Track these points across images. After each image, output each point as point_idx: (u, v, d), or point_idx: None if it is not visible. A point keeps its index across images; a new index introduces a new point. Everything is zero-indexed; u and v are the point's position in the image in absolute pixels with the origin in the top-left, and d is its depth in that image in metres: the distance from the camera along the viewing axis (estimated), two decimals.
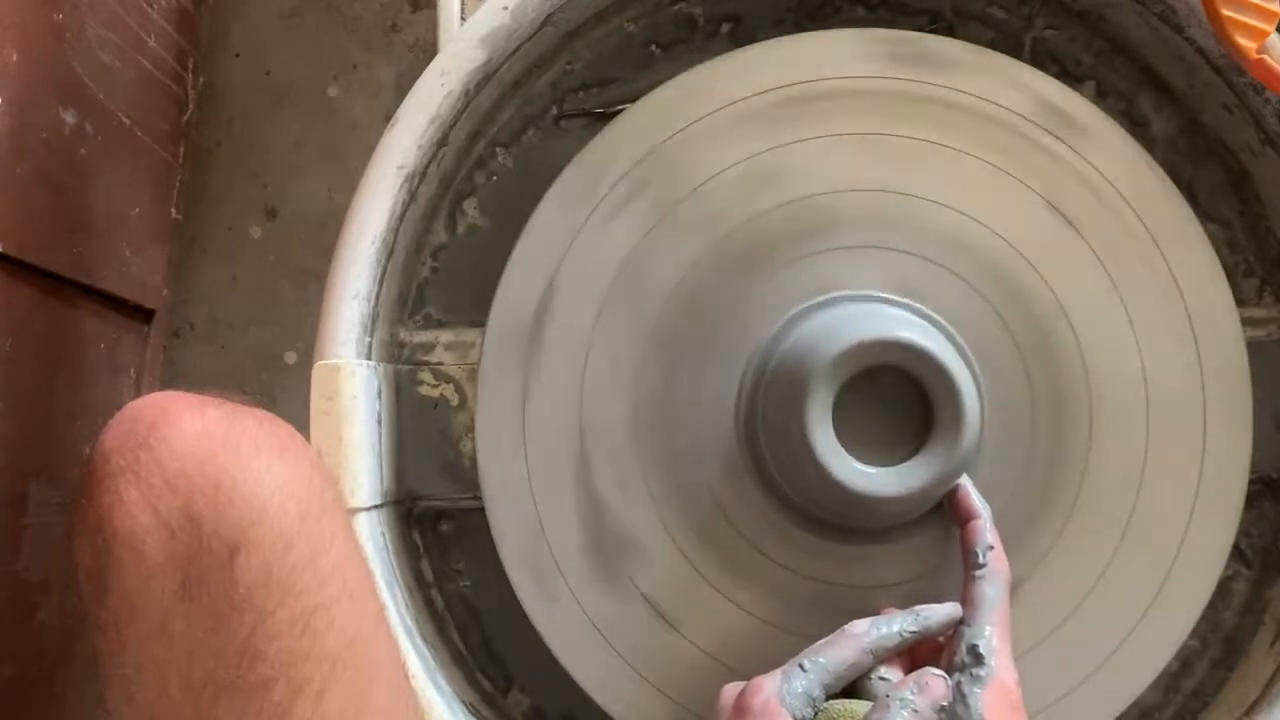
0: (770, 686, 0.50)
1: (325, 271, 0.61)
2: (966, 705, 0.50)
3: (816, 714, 0.50)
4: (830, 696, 0.50)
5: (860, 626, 0.52)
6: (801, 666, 0.51)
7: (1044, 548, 0.60)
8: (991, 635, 0.52)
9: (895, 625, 0.52)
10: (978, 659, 0.52)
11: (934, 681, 0.49)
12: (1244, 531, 0.64)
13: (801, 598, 0.60)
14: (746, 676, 0.52)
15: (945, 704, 0.49)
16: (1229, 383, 0.61)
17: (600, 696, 0.61)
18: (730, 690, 0.52)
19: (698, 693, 0.60)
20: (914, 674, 0.50)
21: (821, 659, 0.51)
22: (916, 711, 0.48)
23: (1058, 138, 0.62)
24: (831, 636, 0.52)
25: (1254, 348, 0.62)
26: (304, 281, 1.02)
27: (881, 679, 0.51)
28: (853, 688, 0.52)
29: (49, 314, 0.81)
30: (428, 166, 0.63)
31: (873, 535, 0.59)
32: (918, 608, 0.53)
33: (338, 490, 0.51)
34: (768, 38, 0.63)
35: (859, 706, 0.50)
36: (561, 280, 0.62)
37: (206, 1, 1.04)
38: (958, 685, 0.51)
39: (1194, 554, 0.61)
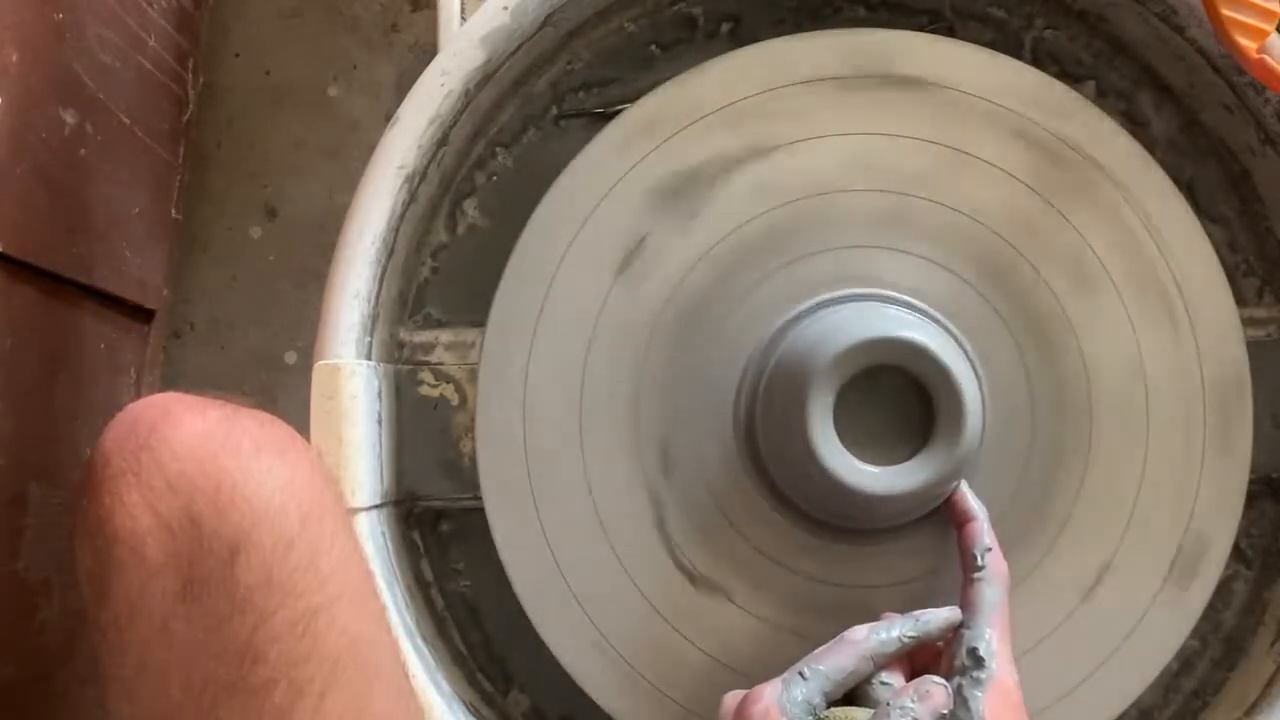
0: (770, 694, 0.50)
1: (325, 271, 0.61)
2: (968, 708, 0.50)
3: None
4: (831, 703, 0.50)
5: (859, 633, 0.52)
6: (801, 674, 0.50)
7: (1044, 548, 0.60)
8: (991, 637, 0.52)
9: (895, 630, 0.52)
10: (978, 661, 0.51)
11: (935, 689, 0.49)
12: (1244, 531, 0.64)
13: (801, 598, 0.60)
14: (746, 676, 0.52)
15: (945, 712, 0.49)
16: (1229, 383, 0.61)
17: (600, 697, 0.61)
18: (731, 699, 0.52)
19: (698, 692, 0.60)
20: (914, 681, 0.50)
21: (821, 666, 0.51)
22: (917, 719, 0.48)
23: (1058, 137, 0.62)
24: (831, 643, 0.52)
25: (1254, 348, 0.62)
26: (304, 281, 1.02)
27: (883, 684, 0.51)
28: (853, 694, 0.51)
29: (49, 314, 0.81)
30: (428, 166, 0.63)
31: (873, 536, 0.59)
32: (917, 612, 0.53)
33: (338, 491, 0.52)
34: (768, 38, 0.63)
35: (860, 714, 0.50)
36: (561, 280, 0.62)
37: (206, 1, 1.04)
38: (958, 688, 0.51)
39: (1193, 555, 0.61)
